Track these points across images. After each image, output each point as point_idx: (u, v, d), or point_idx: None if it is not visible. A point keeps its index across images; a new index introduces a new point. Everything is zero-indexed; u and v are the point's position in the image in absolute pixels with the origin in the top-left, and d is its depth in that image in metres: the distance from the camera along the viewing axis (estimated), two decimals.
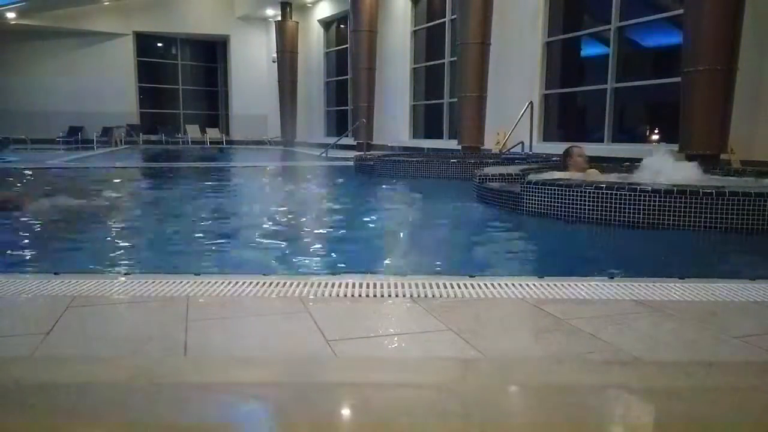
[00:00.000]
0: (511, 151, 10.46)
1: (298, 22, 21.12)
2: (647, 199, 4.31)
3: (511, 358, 1.85)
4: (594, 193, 4.51)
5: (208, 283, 2.58)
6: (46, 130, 20.95)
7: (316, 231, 5.03)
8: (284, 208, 6.44)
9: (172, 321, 2.10)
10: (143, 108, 23.88)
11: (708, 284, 2.65)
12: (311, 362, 1.80)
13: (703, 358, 1.85)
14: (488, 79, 11.52)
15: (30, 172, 10.29)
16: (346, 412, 1.55)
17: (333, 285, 2.56)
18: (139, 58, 23.44)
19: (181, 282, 2.58)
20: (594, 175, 5.66)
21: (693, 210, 4.19)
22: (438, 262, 3.72)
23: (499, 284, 2.60)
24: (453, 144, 12.47)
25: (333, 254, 3.98)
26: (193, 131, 23.63)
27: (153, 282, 2.58)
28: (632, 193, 4.37)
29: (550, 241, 4.63)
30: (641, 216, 4.33)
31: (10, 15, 19.76)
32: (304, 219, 5.80)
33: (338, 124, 20.60)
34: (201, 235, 4.57)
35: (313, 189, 9.02)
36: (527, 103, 10.30)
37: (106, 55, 22.49)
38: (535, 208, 4.88)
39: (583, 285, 2.60)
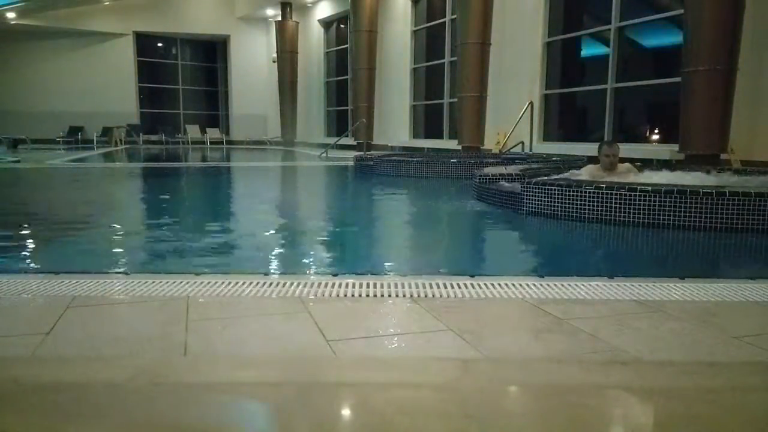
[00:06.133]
0: (511, 151, 10.46)
1: (298, 22, 21.12)
2: (647, 199, 4.31)
3: (511, 358, 1.85)
4: (594, 193, 4.51)
5: (208, 283, 2.58)
6: (46, 130, 20.96)
7: (319, 231, 5.02)
8: (283, 209, 6.44)
9: (172, 321, 2.10)
10: (143, 108, 23.89)
11: (708, 284, 2.65)
12: (311, 362, 1.80)
13: (703, 358, 1.85)
14: (488, 79, 11.52)
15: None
16: (346, 412, 1.54)
17: (333, 285, 2.56)
18: (139, 58, 23.44)
19: (181, 282, 2.58)
20: (625, 173, 5.50)
21: (693, 210, 4.19)
22: (438, 262, 3.72)
23: (499, 284, 2.60)
24: (453, 144, 12.47)
25: (334, 254, 3.98)
26: (193, 131, 23.63)
27: (153, 282, 2.58)
28: (632, 193, 4.37)
29: (550, 241, 4.62)
30: (641, 216, 4.33)
31: (10, 15, 19.76)
32: (304, 219, 5.80)
33: (338, 124, 20.59)
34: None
35: (315, 189, 9.01)
36: (527, 103, 10.31)
37: (106, 55, 22.50)
38: (535, 208, 4.88)
39: (583, 285, 2.60)
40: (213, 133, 23.96)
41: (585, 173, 5.56)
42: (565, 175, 5.62)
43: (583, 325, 2.09)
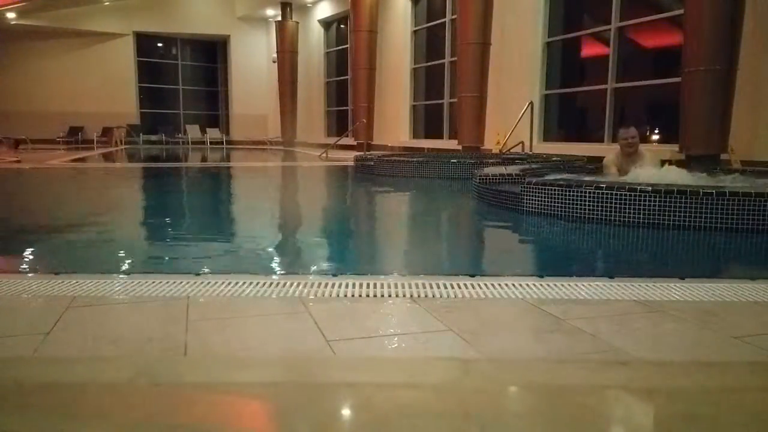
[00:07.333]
0: (511, 151, 10.45)
1: (298, 22, 21.12)
2: (647, 199, 4.31)
3: (511, 358, 1.85)
4: (594, 193, 4.51)
5: (208, 283, 2.58)
6: (46, 130, 20.95)
7: (323, 230, 5.02)
8: (285, 208, 6.43)
9: (173, 321, 2.10)
10: (143, 108, 23.89)
11: (708, 284, 2.65)
12: (311, 362, 1.80)
13: (703, 358, 1.85)
14: (488, 79, 11.52)
15: None
16: (346, 412, 1.54)
17: (333, 285, 2.56)
18: (139, 58, 23.45)
19: (181, 282, 2.58)
20: (648, 160, 5.53)
21: (693, 210, 4.19)
22: (439, 262, 3.72)
23: (499, 284, 2.60)
24: (453, 144, 12.46)
25: (334, 254, 3.98)
26: (193, 131, 23.63)
27: (153, 282, 2.58)
28: (632, 193, 4.37)
29: (550, 241, 4.62)
30: (641, 216, 4.33)
31: (10, 15, 19.76)
32: (307, 219, 5.80)
33: (338, 124, 20.60)
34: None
35: (315, 189, 9.02)
36: (527, 103, 10.30)
37: (106, 55, 22.50)
38: (535, 207, 4.88)
39: (583, 285, 2.60)
40: (213, 133, 23.95)
41: (608, 163, 5.70)
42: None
43: (583, 325, 2.09)
